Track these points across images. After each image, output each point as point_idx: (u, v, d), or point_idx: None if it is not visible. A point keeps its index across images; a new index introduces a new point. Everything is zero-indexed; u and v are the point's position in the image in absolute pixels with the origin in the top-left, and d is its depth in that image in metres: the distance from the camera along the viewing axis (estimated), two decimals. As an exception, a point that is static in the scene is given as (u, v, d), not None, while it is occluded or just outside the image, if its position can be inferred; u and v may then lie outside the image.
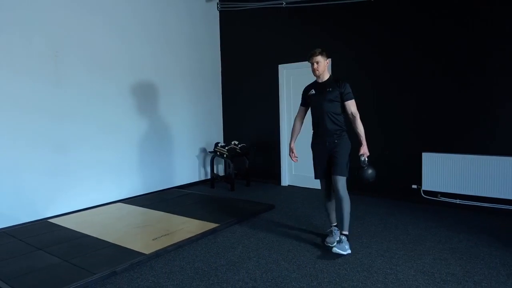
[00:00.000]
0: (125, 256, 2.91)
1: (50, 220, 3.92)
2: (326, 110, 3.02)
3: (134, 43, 4.92)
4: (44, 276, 2.61)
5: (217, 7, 6.11)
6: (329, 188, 3.14)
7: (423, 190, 4.37)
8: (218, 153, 5.56)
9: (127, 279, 2.60)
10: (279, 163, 5.70)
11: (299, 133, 3.32)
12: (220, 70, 6.31)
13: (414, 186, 4.44)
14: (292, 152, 3.30)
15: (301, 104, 3.29)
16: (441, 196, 4.28)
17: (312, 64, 3.06)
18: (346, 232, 3.02)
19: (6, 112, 3.72)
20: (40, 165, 3.97)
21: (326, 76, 3.09)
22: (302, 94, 3.26)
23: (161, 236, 3.35)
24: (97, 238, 3.35)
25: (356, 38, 4.85)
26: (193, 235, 3.38)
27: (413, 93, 4.45)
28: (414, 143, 4.46)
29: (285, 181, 5.68)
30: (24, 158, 3.85)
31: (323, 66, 3.05)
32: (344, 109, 3.05)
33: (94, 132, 4.47)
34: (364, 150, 3.02)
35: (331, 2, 4.87)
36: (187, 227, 3.64)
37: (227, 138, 6.24)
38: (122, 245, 3.16)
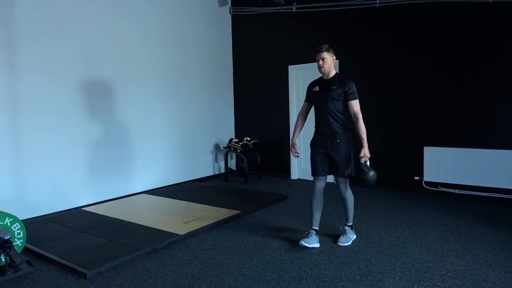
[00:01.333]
0: (162, 236, 3.27)
1: (83, 209, 4.28)
2: (328, 108, 2.97)
3: (155, 46, 5.27)
4: (95, 252, 2.97)
5: (229, 11, 6.50)
6: (322, 185, 3.10)
7: (424, 181, 4.76)
8: (232, 148, 5.92)
9: (168, 254, 2.96)
10: (289, 158, 6.06)
11: (301, 129, 3.27)
12: (232, 71, 6.67)
13: (416, 178, 4.83)
14: (294, 148, 3.24)
15: (305, 100, 3.25)
16: (441, 187, 4.67)
17: (318, 61, 2.99)
18: (350, 223, 3.21)
19: (45, 110, 4.06)
20: (74, 159, 4.32)
21: (332, 73, 3.03)
22: (307, 90, 3.22)
23: (190, 221, 3.71)
24: (132, 222, 3.71)
25: (361, 39, 5.23)
26: (218, 219, 3.74)
27: (415, 92, 4.83)
28: (416, 138, 4.84)
29: (295, 175, 6.05)
30: (60, 153, 4.19)
31: (329, 63, 2.98)
32: (347, 108, 2.99)
33: (120, 129, 4.83)
34: (365, 153, 2.95)
35: (338, 8, 5.26)
36: (212, 213, 4.00)
37: (238, 135, 6.60)
38: (157, 227, 3.53)
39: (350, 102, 2.96)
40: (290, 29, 5.93)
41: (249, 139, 6.06)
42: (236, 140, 6.07)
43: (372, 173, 2.94)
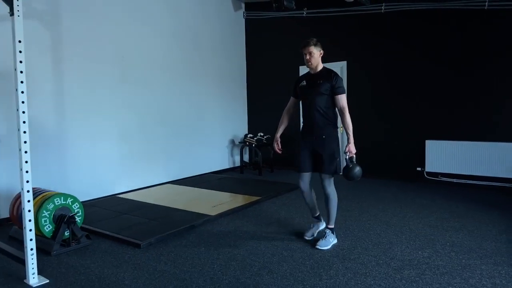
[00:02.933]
0: (196, 217, 3.72)
1: (119, 196, 4.72)
2: (315, 103, 2.90)
3: (176, 49, 5.72)
4: (141, 228, 3.42)
5: (243, 15, 6.94)
6: (307, 181, 3.06)
7: (426, 172, 5.21)
8: (247, 143, 6.36)
9: (204, 230, 3.41)
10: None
11: (287, 125, 3.24)
12: (246, 71, 7.11)
13: (418, 169, 5.28)
14: (277, 144, 3.19)
15: (292, 95, 3.19)
16: (441, 176, 5.12)
17: (305, 55, 2.93)
18: (332, 226, 3.04)
19: (84, 106, 4.51)
20: (109, 151, 4.77)
21: (319, 67, 2.97)
22: (294, 85, 3.16)
23: (218, 205, 4.16)
24: (166, 206, 4.16)
25: (367, 41, 5.68)
26: (242, 203, 4.20)
27: (417, 90, 5.28)
28: (418, 132, 5.30)
29: (305, 168, 6.49)
30: (97, 145, 4.64)
31: (317, 58, 2.92)
32: (334, 103, 2.92)
33: (146, 125, 5.28)
34: (350, 148, 2.87)
35: (346, 13, 5.70)
36: (235, 199, 4.45)
37: (251, 131, 7.04)
38: (189, 210, 3.98)
39: (337, 96, 2.89)
40: (301, 32, 6.36)
41: (262, 134, 6.50)
42: (251, 135, 6.51)
43: (357, 169, 2.85)
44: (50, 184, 4.02)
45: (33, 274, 2.39)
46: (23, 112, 2.31)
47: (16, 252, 2.56)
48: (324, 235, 3.00)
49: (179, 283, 2.40)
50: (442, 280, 2.37)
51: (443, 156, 5.05)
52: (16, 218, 3.17)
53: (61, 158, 4.26)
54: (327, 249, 2.89)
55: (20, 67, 2.29)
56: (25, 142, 2.33)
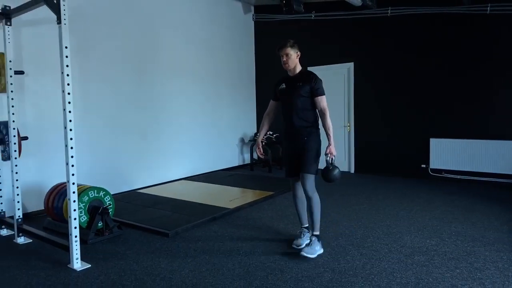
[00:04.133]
0: (216, 210, 3.96)
1: (138, 191, 4.95)
2: (295, 106, 2.85)
3: (189, 51, 5.96)
4: (167, 220, 3.66)
5: (253, 18, 7.17)
6: (298, 187, 2.99)
7: (430, 169, 5.45)
8: (257, 141, 6.60)
9: (225, 221, 3.65)
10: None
11: (268, 129, 3.22)
12: (255, 72, 7.35)
13: (423, 166, 5.51)
14: (258, 148, 3.16)
15: (272, 99, 3.14)
16: (445, 173, 5.35)
17: (282, 57, 2.90)
18: (317, 233, 2.91)
19: (106, 107, 4.76)
20: (129, 148, 5.02)
21: (297, 69, 2.92)
22: (273, 88, 3.12)
23: (234, 199, 4.40)
24: (185, 200, 4.40)
25: (373, 44, 5.91)
26: (257, 198, 4.43)
27: (423, 91, 5.52)
28: (423, 131, 5.53)
29: (312, 165, 6.72)
30: (118, 143, 4.88)
31: (294, 59, 2.88)
32: (314, 105, 2.87)
33: (162, 124, 5.51)
34: (331, 150, 2.82)
35: (353, 16, 5.93)
36: (249, 194, 4.68)
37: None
38: (208, 203, 4.21)
39: (317, 98, 2.84)
40: (309, 34, 6.60)
41: (271, 133, 6.73)
42: (261, 134, 6.75)
43: (336, 171, 2.82)
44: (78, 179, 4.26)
45: (77, 259, 2.63)
46: (69, 112, 2.55)
47: (60, 240, 2.80)
48: (310, 242, 2.89)
49: (210, 266, 2.64)
50: (449, 264, 2.61)
51: (447, 154, 5.28)
52: (51, 210, 3.40)
53: (86, 155, 4.50)
54: (313, 257, 2.76)
55: (66, 70, 2.53)
56: (71, 139, 2.56)
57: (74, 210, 2.59)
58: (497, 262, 2.62)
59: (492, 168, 4.98)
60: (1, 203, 3.45)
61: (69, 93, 2.55)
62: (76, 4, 4.32)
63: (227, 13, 6.69)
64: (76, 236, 2.61)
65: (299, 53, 2.94)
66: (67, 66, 2.53)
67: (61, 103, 4.17)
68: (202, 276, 2.48)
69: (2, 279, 2.49)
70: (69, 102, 2.55)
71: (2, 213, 3.46)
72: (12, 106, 3.10)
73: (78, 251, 2.63)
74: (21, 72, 3.39)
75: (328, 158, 2.83)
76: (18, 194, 3.17)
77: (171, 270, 2.59)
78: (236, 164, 6.97)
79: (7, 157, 3.40)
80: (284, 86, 2.96)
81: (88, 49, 4.53)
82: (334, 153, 2.83)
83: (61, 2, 2.48)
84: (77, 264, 2.62)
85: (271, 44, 7.66)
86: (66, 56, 2.52)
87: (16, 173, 3.15)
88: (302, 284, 2.36)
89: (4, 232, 3.46)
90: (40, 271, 2.61)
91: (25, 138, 3.46)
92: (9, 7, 3.12)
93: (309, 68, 6.78)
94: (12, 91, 3.10)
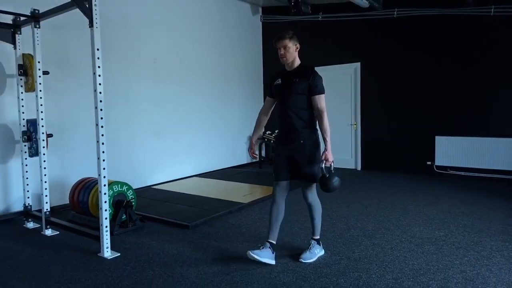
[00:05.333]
0: (231, 204, 4.12)
1: (153, 187, 5.12)
2: (291, 104, 2.60)
3: (200, 52, 6.13)
4: (185, 213, 3.82)
5: (260, 19, 7.33)
6: (283, 192, 2.72)
7: (435, 166, 5.60)
8: (266, 139, 6.76)
9: (241, 215, 3.82)
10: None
11: (263, 128, 2.97)
12: (262, 72, 7.51)
13: (428, 163, 5.67)
14: (251, 148, 2.90)
15: (268, 95, 2.88)
16: (450, 170, 5.51)
17: (279, 49, 2.63)
18: (317, 237, 2.79)
19: (123, 104, 4.92)
20: (145, 145, 5.19)
21: (295, 64, 2.67)
22: (268, 83, 2.89)
23: (247, 194, 4.56)
24: (200, 196, 4.56)
25: (380, 44, 6.07)
26: (269, 194, 4.56)
27: (428, 91, 5.68)
28: (428, 129, 5.69)
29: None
30: (134, 140, 5.05)
31: (292, 52, 2.62)
32: (311, 104, 2.61)
33: (177, 122, 5.69)
34: (327, 156, 2.55)
35: (360, 18, 6.08)
36: (261, 190, 4.85)
37: (269, 128, 7.43)
38: (223, 198, 4.38)
39: (314, 97, 2.58)
40: (316, 35, 6.75)
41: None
42: (269, 132, 6.91)
43: (335, 179, 2.57)
44: (94, 174, 4.44)
45: (107, 248, 2.79)
46: (101, 110, 2.71)
47: (90, 231, 2.97)
48: (309, 246, 2.75)
49: (233, 254, 2.80)
50: (458, 253, 2.77)
51: (452, 151, 5.44)
52: (76, 204, 3.57)
53: (107, 154, 4.67)
54: (312, 262, 2.65)
55: (98, 71, 2.69)
56: (102, 135, 2.73)
57: (105, 202, 2.76)
58: (503, 251, 2.78)
59: (496, 164, 5.13)
60: (28, 197, 3.63)
61: (100, 92, 2.71)
62: (102, 10, 4.49)
63: (236, 14, 6.85)
64: (106, 226, 2.77)
65: (298, 45, 2.67)
66: (98, 67, 2.70)
67: (81, 102, 4.45)
68: (226, 263, 2.65)
69: (39, 267, 2.66)
70: (101, 101, 2.71)
71: (29, 207, 3.63)
72: (41, 105, 3.27)
73: (109, 241, 2.79)
74: (47, 73, 3.55)
75: (323, 165, 2.56)
76: (46, 189, 3.33)
77: (196, 258, 2.76)
78: (245, 162, 7.13)
79: (34, 153, 3.57)
80: (280, 81, 2.71)
81: (107, 51, 4.68)
82: (331, 159, 2.57)
83: (93, 8, 2.65)
84: (107, 253, 2.79)
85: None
86: (98, 58, 2.70)
87: (45, 168, 3.31)
88: (321, 270, 2.52)
89: (31, 225, 3.62)
90: (72, 259, 2.78)
91: (50, 135, 3.62)
92: (38, 10, 3.29)
93: (316, 68, 6.88)
94: (40, 91, 3.27)
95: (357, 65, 6.35)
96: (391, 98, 6.05)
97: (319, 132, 2.67)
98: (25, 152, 3.54)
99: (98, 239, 2.81)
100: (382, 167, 6.16)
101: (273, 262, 2.60)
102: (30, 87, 3.55)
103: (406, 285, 2.29)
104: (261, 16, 7.33)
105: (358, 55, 6.34)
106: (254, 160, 7.26)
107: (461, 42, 5.37)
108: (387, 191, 4.79)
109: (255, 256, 2.55)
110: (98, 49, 2.68)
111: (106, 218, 2.76)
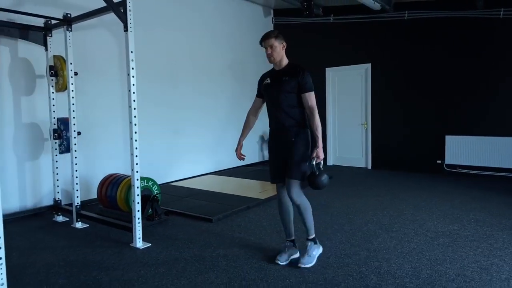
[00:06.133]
0: (248, 200, 4.28)
1: (171, 184, 5.29)
2: (281, 103, 2.60)
3: (216, 54, 6.31)
4: (207, 208, 3.99)
5: (272, 21, 7.50)
6: (284, 193, 2.70)
7: (445, 164, 5.73)
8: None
9: (259, 210, 3.98)
10: (324, 147, 7.04)
11: (251, 128, 2.98)
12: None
13: (438, 161, 5.80)
14: (238, 150, 2.92)
15: (257, 95, 2.90)
16: (459, 168, 5.64)
17: (266, 49, 2.64)
18: (312, 236, 2.70)
19: (143, 105, 5.01)
20: (164, 144, 5.37)
21: (283, 63, 2.67)
22: (258, 83, 2.87)
23: (263, 191, 4.72)
24: (217, 192, 4.73)
25: (391, 46, 6.21)
26: (285, 191, 4.74)
27: (438, 92, 5.82)
28: (439, 129, 5.83)
29: (330, 161, 7.04)
30: (154, 139, 5.23)
31: (279, 51, 2.63)
32: (302, 102, 2.60)
33: (192, 122, 5.86)
34: (318, 153, 2.51)
35: (370, 19, 6.23)
36: (275, 187, 4.97)
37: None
38: (240, 194, 4.54)
39: (304, 94, 2.58)
40: (327, 37, 6.90)
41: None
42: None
43: (324, 176, 2.53)
44: (115, 170, 4.62)
45: (139, 238, 2.96)
46: (134, 109, 2.88)
47: (123, 222, 3.15)
48: (306, 250, 2.66)
49: (257, 245, 2.97)
50: (472, 245, 2.91)
51: (462, 150, 5.57)
52: (104, 198, 3.74)
53: (123, 149, 4.86)
54: (312, 265, 2.59)
55: (132, 72, 2.86)
56: (135, 132, 2.90)
57: (138, 195, 2.93)
58: (515, 243, 2.92)
59: (505, 163, 5.26)
60: (58, 192, 3.81)
61: (134, 92, 2.88)
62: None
63: (248, 16, 7.02)
64: (139, 218, 2.94)
65: (284, 44, 2.68)
66: (132, 68, 2.87)
67: (101, 102, 4.63)
68: (252, 253, 2.81)
69: (76, 256, 2.83)
70: (134, 100, 2.88)
71: (59, 201, 3.81)
72: (73, 104, 3.45)
73: (140, 231, 2.96)
74: (75, 74, 3.73)
75: (314, 162, 2.52)
76: (77, 183, 3.51)
77: (223, 248, 2.92)
78: (257, 161, 7.29)
79: (64, 150, 3.75)
80: (268, 81, 2.71)
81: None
82: (322, 156, 2.53)
83: (128, 13, 2.82)
84: (139, 243, 2.96)
85: (290, 45, 7.96)
86: (132, 60, 2.86)
87: (76, 164, 3.49)
88: (342, 260, 2.67)
89: (60, 218, 3.81)
90: (107, 249, 2.95)
91: (79, 133, 3.80)
92: (70, 14, 3.47)
93: (327, 69, 7.10)
94: (72, 90, 3.45)
95: (368, 66, 6.49)
96: (401, 98, 6.19)
97: (308, 131, 2.66)
98: (56, 149, 3.73)
99: (130, 230, 2.99)
100: (392, 166, 6.30)
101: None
102: (60, 87, 3.73)
103: (425, 274, 2.44)
104: (272, 18, 7.49)
105: (369, 56, 6.48)
106: (265, 159, 7.43)
107: (471, 43, 5.50)
108: (399, 188, 4.93)
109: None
110: (132, 52, 2.85)
111: (138, 211, 2.93)
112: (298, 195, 2.59)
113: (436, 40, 5.80)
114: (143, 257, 2.77)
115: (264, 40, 2.64)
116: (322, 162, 2.55)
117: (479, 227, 3.31)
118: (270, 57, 2.66)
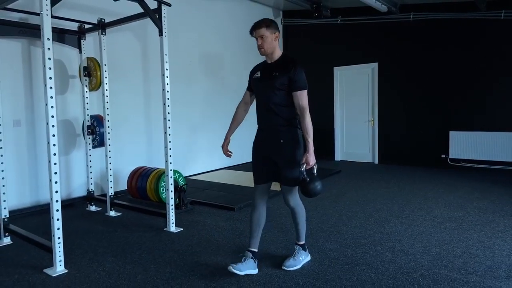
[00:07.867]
0: (266, 192, 4.55)
1: (189, 178, 5.59)
2: (269, 100, 2.38)
3: (228, 54, 6.62)
4: (226, 198, 4.29)
5: (281, 22, 7.77)
6: (263, 196, 2.51)
7: (449, 159, 6.01)
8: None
9: (276, 200, 4.27)
10: (333, 143, 7.35)
11: (240, 123, 2.79)
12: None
13: (442, 156, 6.09)
14: (224, 146, 2.76)
15: (247, 88, 2.70)
16: (463, 162, 5.92)
17: (257, 40, 2.40)
18: (302, 242, 2.59)
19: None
20: (181, 140, 5.66)
21: (276, 55, 2.41)
22: (249, 76, 2.66)
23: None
24: (234, 185, 5.03)
25: (396, 46, 6.49)
26: (298, 183, 5.03)
27: (443, 88, 6.10)
28: (443, 125, 6.12)
29: (338, 156, 7.33)
30: (173, 135, 5.44)
31: (270, 42, 2.36)
32: (293, 100, 2.35)
33: (206, 119, 6.17)
34: (308, 159, 2.27)
35: (377, 21, 6.50)
36: (289, 180, 5.28)
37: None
38: (257, 187, 4.82)
39: (295, 93, 2.32)
40: (335, 37, 7.19)
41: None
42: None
43: (316, 183, 2.32)
44: (140, 164, 4.93)
45: (173, 223, 3.26)
46: (168, 106, 3.18)
47: (157, 209, 3.45)
48: (293, 253, 2.55)
49: (279, 229, 3.27)
50: (476, 228, 3.20)
51: (465, 145, 5.86)
52: (134, 189, 4.04)
53: (144, 144, 5.17)
54: (296, 269, 2.46)
55: (166, 73, 3.16)
56: (169, 127, 3.20)
57: (171, 184, 3.22)
58: (515, 227, 3.21)
59: (507, 157, 5.54)
60: (91, 184, 4.11)
61: (168, 91, 3.18)
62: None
63: (258, 18, 7.20)
64: (172, 205, 3.24)
65: (277, 34, 2.41)
66: (166, 69, 3.16)
67: (129, 100, 4.94)
68: (275, 236, 3.11)
69: (117, 239, 3.13)
70: (168, 99, 3.18)
71: (92, 192, 4.11)
72: (107, 102, 3.74)
73: (174, 217, 3.26)
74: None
75: (303, 168, 2.30)
76: (110, 175, 3.82)
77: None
78: (267, 157, 7.59)
79: (96, 145, 4.05)
80: (258, 74, 2.49)
81: (148, 54, 5.19)
82: (311, 162, 2.29)
83: (163, 19, 3.11)
84: (173, 227, 3.26)
85: (299, 46, 8.32)
86: (166, 62, 3.16)
87: (110, 157, 3.79)
88: (359, 240, 2.97)
89: (93, 208, 4.11)
90: (144, 233, 3.25)
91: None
92: (104, 19, 3.76)
93: (335, 68, 7.38)
94: (107, 90, 3.75)
95: (375, 65, 6.77)
96: (406, 96, 6.47)
97: (299, 131, 2.42)
98: (89, 144, 4.03)
99: (164, 216, 3.29)
100: (398, 160, 6.59)
101: (255, 271, 2.41)
102: (93, 87, 4.03)
103: (434, 251, 2.73)
104: (282, 19, 7.77)
105: (375, 55, 6.76)
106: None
107: (473, 44, 5.78)
108: (406, 180, 5.22)
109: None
110: (166, 54, 3.15)
111: (172, 198, 3.23)
112: (295, 199, 2.46)
113: (440, 41, 6.08)
114: (178, 240, 3.07)
115: (255, 29, 2.40)
116: (315, 167, 2.35)
117: (482, 214, 3.60)
118: (260, 49, 2.42)
